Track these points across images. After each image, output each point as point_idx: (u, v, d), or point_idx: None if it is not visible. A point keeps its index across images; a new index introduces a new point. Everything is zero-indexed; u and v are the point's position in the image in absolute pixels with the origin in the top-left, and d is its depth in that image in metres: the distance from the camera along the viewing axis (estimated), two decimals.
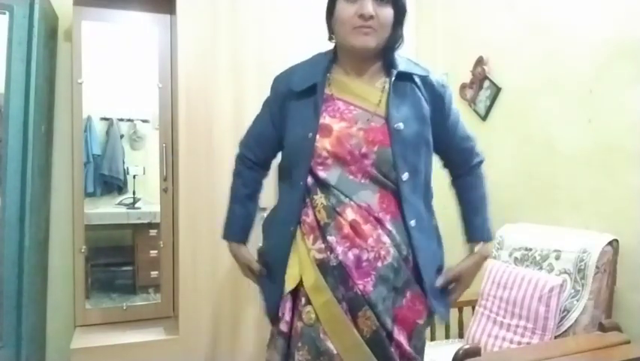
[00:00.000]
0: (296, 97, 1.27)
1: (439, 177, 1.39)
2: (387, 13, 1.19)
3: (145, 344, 2.17)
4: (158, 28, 2.41)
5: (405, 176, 1.19)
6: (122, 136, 2.73)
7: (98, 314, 2.40)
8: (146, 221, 2.67)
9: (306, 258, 1.20)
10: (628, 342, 1.48)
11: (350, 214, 1.17)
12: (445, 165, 1.38)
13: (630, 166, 1.67)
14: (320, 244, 1.18)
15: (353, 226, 1.17)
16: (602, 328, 1.53)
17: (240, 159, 1.44)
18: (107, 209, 2.72)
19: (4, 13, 1.99)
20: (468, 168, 1.35)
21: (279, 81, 1.36)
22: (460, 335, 2.01)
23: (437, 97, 1.27)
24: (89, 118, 2.53)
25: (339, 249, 1.16)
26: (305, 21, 2.30)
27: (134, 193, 2.75)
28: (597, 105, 1.78)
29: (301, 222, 1.22)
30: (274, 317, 1.27)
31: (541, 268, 1.76)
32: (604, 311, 1.61)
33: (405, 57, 1.30)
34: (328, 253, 1.17)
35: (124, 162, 2.74)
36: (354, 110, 1.22)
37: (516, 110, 2.15)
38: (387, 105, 1.21)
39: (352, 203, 1.18)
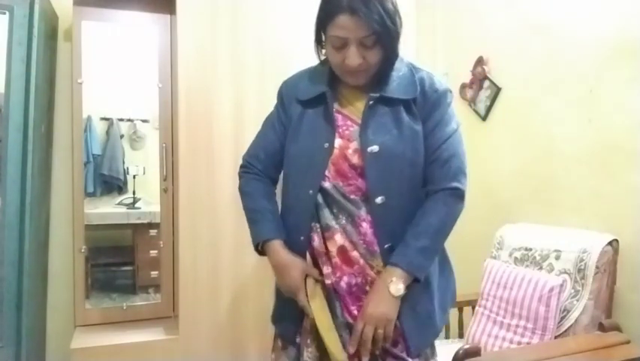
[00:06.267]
0: (303, 105, 1.25)
1: None
2: (375, 55, 1.14)
3: (145, 344, 2.17)
4: (158, 28, 2.41)
5: (379, 199, 1.16)
6: (122, 136, 2.73)
7: (98, 314, 2.40)
8: (146, 221, 2.67)
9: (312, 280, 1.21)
10: (628, 342, 1.48)
11: (339, 240, 1.18)
12: (424, 183, 1.22)
13: (630, 166, 1.67)
14: (327, 269, 1.19)
15: (340, 252, 1.17)
16: (602, 328, 1.53)
17: (246, 168, 1.33)
18: (107, 209, 2.72)
19: (4, 13, 1.99)
20: (438, 188, 1.18)
21: (285, 88, 1.33)
22: (460, 335, 2.01)
23: (429, 102, 1.20)
24: (89, 118, 2.53)
25: (333, 278, 1.18)
26: (305, 21, 2.30)
27: (134, 193, 2.75)
28: (597, 105, 1.78)
29: (311, 244, 1.21)
30: (291, 341, 1.25)
31: (541, 268, 1.76)
32: (604, 311, 1.61)
33: (404, 66, 1.23)
34: (333, 277, 1.18)
35: (124, 162, 2.74)
36: (352, 127, 1.20)
37: (516, 110, 2.15)
38: (360, 128, 1.18)
39: (341, 228, 1.18)
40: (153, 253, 2.55)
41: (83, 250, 2.32)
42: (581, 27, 1.83)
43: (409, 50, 2.76)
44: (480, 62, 2.29)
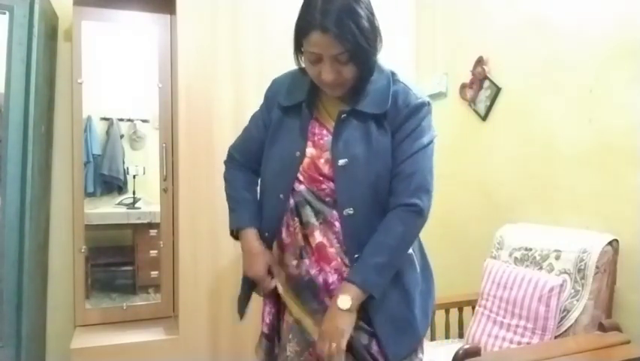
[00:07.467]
0: (283, 111, 1.29)
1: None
2: (350, 71, 1.15)
3: (145, 344, 2.17)
4: (158, 28, 2.41)
5: (347, 211, 1.18)
6: (122, 136, 2.73)
7: (98, 314, 2.40)
8: (146, 221, 2.68)
9: (280, 271, 1.28)
10: (628, 342, 1.49)
11: (318, 237, 1.21)
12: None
13: (630, 166, 1.67)
14: (295, 261, 1.24)
15: (319, 248, 1.21)
16: (602, 328, 1.53)
17: (228, 159, 1.42)
18: (107, 209, 2.72)
19: (4, 13, 1.99)
20: (397, 203, 1.18)
21: (272, 89, 1.36)
22: (460, 335, 2.01)
23: (400, 115, 1.20)
24: (89, 118, 2.53)
25: (312, 271, 1.22)
26: None
27: (134, 193, 2.75)
28: (597, 105, 1.78)
29: (280, 239, 1.27)
30: (242, 313, 1.39)
31: (541, 268, 1.76)
32: (604, 311, 1.61)
33: (384, 78, 1.22)
34: (302, 270, 1.23)
35: (124, 162, 2.74)
36: (326, 137, 1.23)
37: (516, 110, 2.15)
38: (332, 140, 1.21)
39: (321, 226, 1.21)
40: (153, 253, 2.55)
41: (83, 250, 2.32)
42: (581, 27, 1.83)
43: (409, 50, 2.76)
44: (480, 62, 2.29)
